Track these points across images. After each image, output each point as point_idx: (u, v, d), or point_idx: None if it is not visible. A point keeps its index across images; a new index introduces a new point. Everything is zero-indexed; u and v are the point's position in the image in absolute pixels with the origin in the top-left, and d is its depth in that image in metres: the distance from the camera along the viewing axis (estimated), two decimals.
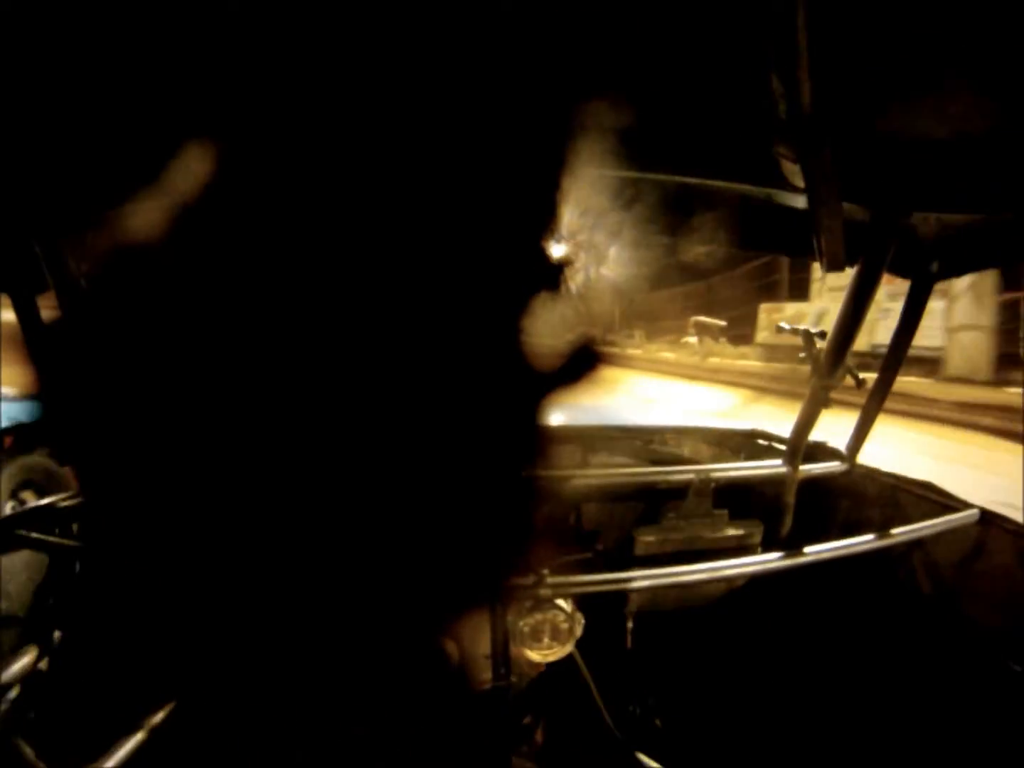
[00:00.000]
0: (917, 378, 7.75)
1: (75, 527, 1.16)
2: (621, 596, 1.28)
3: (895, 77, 0.61)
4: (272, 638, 0.47)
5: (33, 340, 0.84)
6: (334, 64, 0.41)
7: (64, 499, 1.13)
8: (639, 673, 1.31)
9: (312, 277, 0.42)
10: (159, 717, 0.85)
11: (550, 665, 0.97)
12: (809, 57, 0.53)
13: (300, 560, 0.44)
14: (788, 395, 7.29)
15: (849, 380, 1.22)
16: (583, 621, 0.98)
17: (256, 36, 0.41)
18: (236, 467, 0.44)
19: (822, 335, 1.23)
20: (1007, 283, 7.81)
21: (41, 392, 0.47)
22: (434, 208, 0.43)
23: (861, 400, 1.34)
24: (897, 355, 1.26)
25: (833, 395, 1.26)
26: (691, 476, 1.31)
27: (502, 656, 0.93)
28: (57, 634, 1.04)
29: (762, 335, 12.66)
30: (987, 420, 6.34)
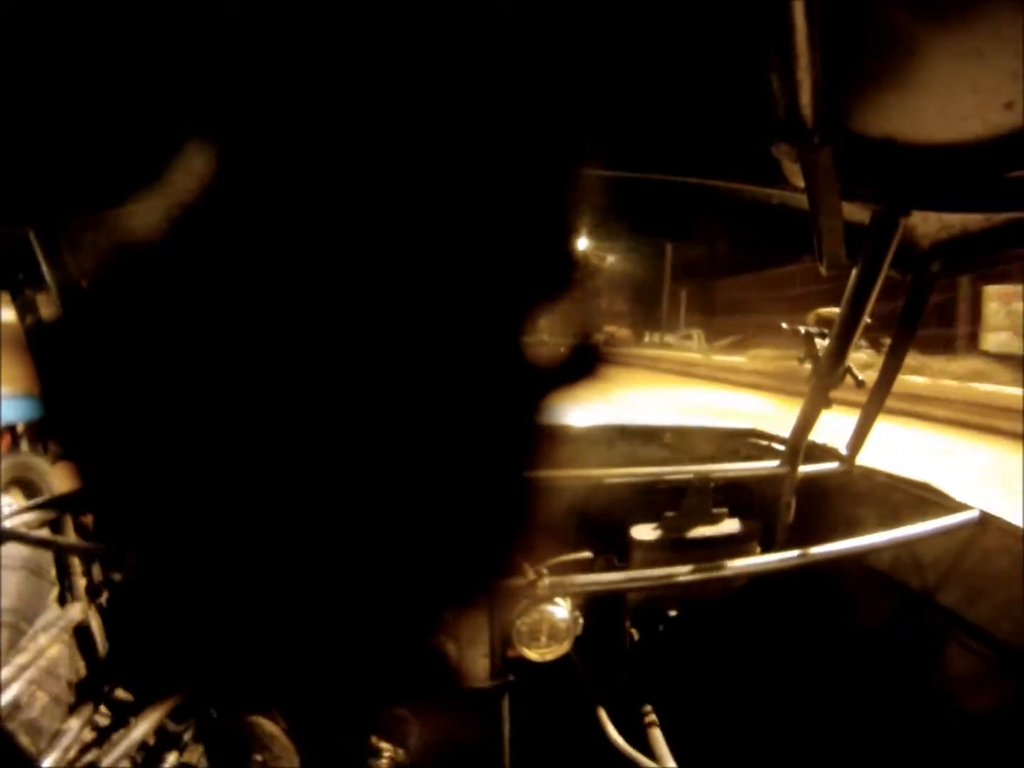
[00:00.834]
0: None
1: (74, 525, 1.16)
2: (620, 596, 1.28)
3: (896, 77, 0.61)
4: (270, 636, 0.47)
5: (33, 338, 0.84)
6: (335, 63, 0.41)
7: (63, 497, 1.13)
8: (637, 673, 1.31)
9: (312, 275, 0.42)
10: (159, 715, 0.85)
11: (548, 665, 0.97)
12: (808, 57, 0.53)
13: (298, 558, 0.44)
14: None
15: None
16: (581, 621, 0.98)
17: (257, 35, 0.41)
18: (235, 465, 0.44)
19: (822, 335, 1.23)
20: None
21: (41, 390, 0.47)
22: (434, 207, 0.43)
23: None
24: (898, 355, 1.25)
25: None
26: (691, 476, 1.31)
27: (500, 655, 0.93)
28: (57, 634, 1.04)
29: (996, 338, 8.23)
30: None
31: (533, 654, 0.94)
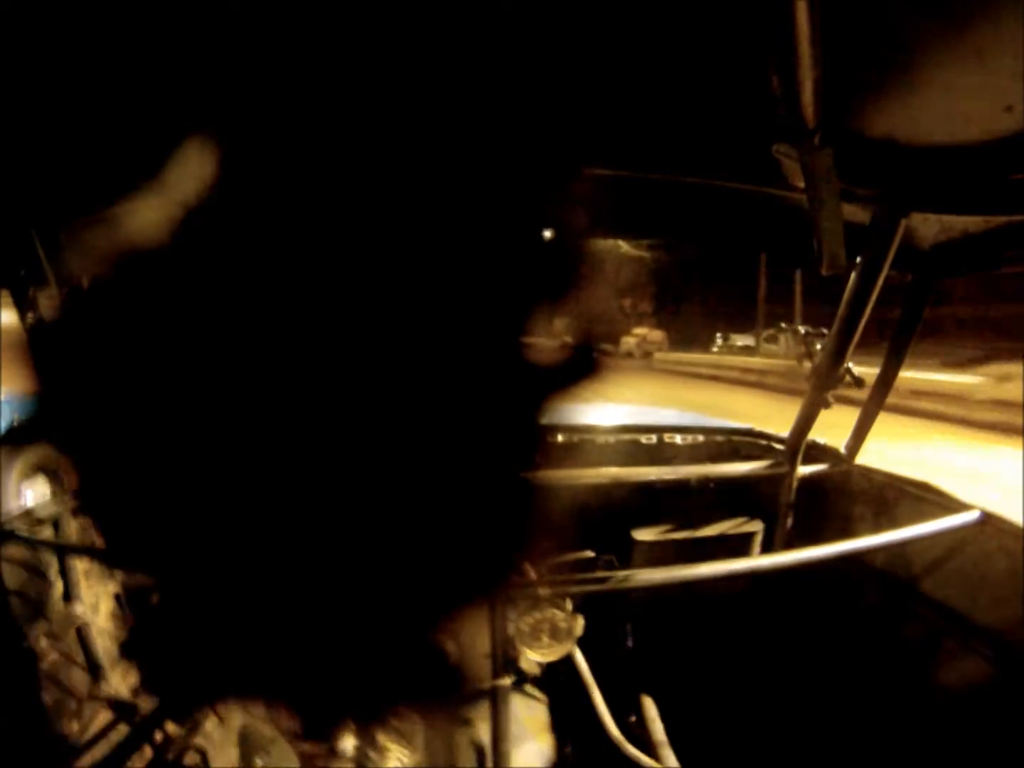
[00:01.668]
0: None
1: (74, 526, 1.16)
2: (621, 596, 1.28)
3: (897, 78, 0.61)
4: (270, 635, 0.47)
5: (33, 337, 0.84)
6: (336, 63, 0.41)
7: (63, 498, 1.13)
8: (638, 673, 1.31)
9: (313, 276, 0.42)
10: (158, 715, 0.85)
11: (550, 665, 0.97)
12: (810, 57, 0.53)
13: (299, 558, 0.44)
14: None
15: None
16: (582, 621, 0.98)
17: (256, 35, 0.41)
18: (236, 466, 0.44)
19: (821, 335, 1.23)
20: None
21: (40, 390, 0.47)
22: (435, 206, 0.43)
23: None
24: (897, 355, 1.26)
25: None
26: (691, 476, 1.31)
27: (501, 655, 0.93)
28: (58, 634, 1.04)
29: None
30: None
31: (535, 654, 0.94)
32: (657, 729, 1.16)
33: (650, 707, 1.21)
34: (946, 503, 1.21)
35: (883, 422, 1.31)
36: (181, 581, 0.47)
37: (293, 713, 0.57)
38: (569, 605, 0.95)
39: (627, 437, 1.65)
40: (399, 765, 0.85)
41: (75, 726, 0.98)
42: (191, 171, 0.41)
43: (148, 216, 0.43)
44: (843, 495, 1.43)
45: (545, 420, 0.48)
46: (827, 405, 1.29)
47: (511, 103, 0.44)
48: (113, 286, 0.45)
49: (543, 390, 0.48)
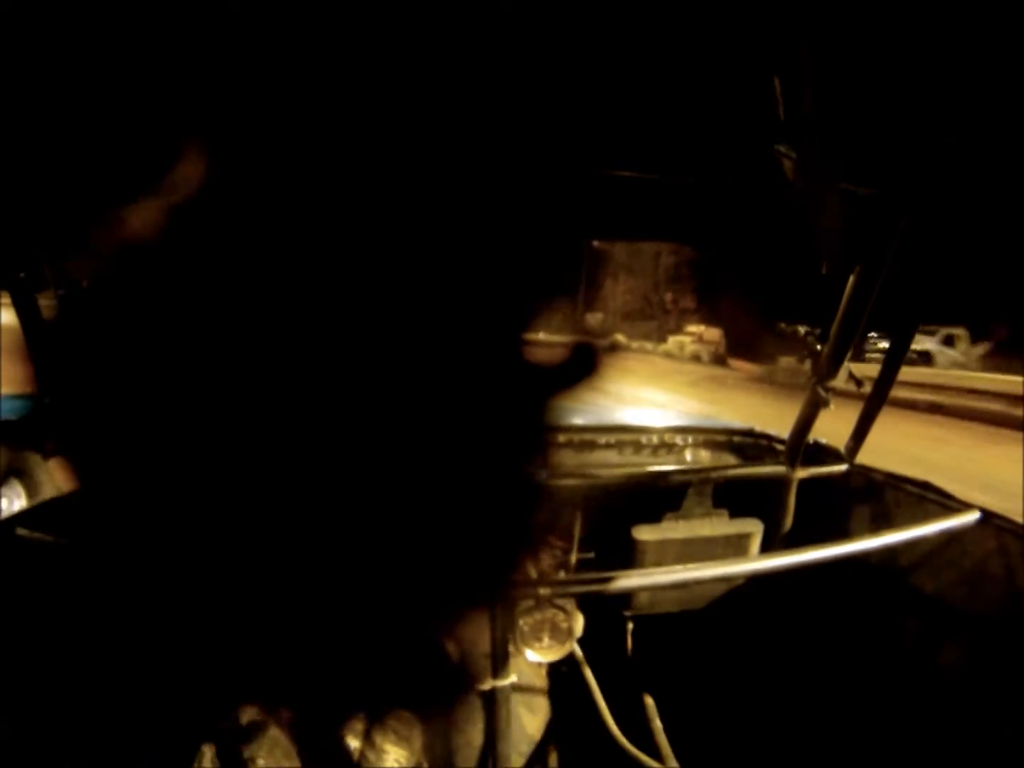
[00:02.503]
0: None
1: (75, 525, 1.16)
2: (621, 596, 1.28)
3: (897, 78, 0.61)
4: (269, 634, 0.47)
5: (33, 338, 0.84)
6: (337, 64, 0.41)
7: (64, 498, 1.13)
8: (639, 672, 1.31)
9: (312, 274, 0.42)
10: (157, 715, 0.85)
11: (552, 664, 0.97)
12: (811, 58, 0.53)
13: (297, 558, 0.44)
14: None
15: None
16: (583, 620, 0.98)
17: (256, 35, 0.41)
18: (235, 466, 0.44)
19: (822, 336, 1.23)
20: None
21: (40, 389, 0.47)
22: (436, 206, 0.43)
23: None
24: (897, 355, 1.26)
25: None
26: (691, 476, 1.31)
27: (501, 655, 0.93)
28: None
29: None
30: None
31: (535, 654, 0.94)
32: (657, 729, 1.16)
33: (650, 707, 1.21)
34: (946, 503, 1.21)
35: None
36: (182, 579, 0.47)
37: (293, 712, 0.57)
38: (569, 605, 0.95)
39: (628, 437, 1.65)
40: (397, 766, 0.85)
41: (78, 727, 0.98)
42: (191, 171, 0.41)
43: (147, 217, 0.43)
44: (843, 495, 1.43)
45: (546, 420, 0.48)
46: (827, 405, 1.29)
47: (512, 103, 0.45)
48: (112, 287, 0.45)
49: (545, 389, 0.48)
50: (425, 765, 0.88)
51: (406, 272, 0.42)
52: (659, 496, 1.33)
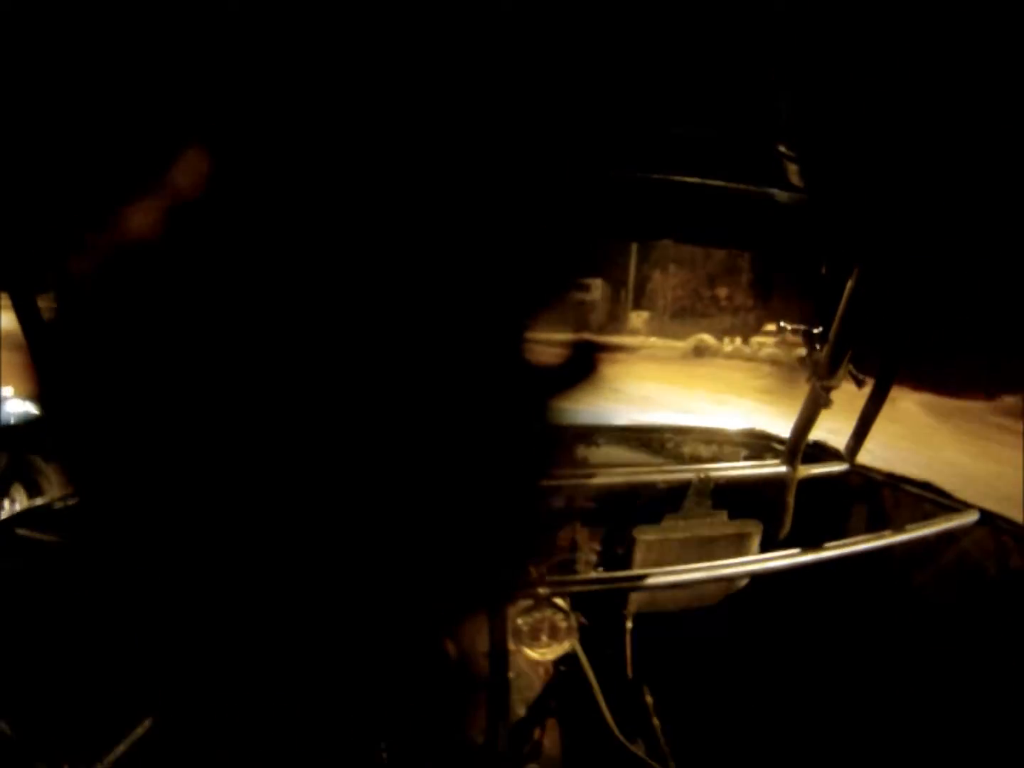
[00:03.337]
0: None
1: (74, 527, 1.16)
2: (621, 596, 1.28)
3: (897, 78, 0.61)
4: (268, 636, 0.47)
5: (33, 340, 0.85)
6: (338, 65, 0.41)
7: (63, 499, 1.13)
8: (638, 672, 1.31)
9: (314, 276, 0.42)
10: (154, 717, 0.85)
11: (551, 663, 0.97)
12: (811, 57, 0.53)
13: (296, 558, 0.44)
14: None
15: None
16: (582, 620, 0.98)
17: (257, 37, 0.41)
18: (235, 466, 0.44)
19: (823, 336, 1.23)
20: None
21: (40, 391, 0.47)
22: (437, 206, 0.43)
23: None
24: (897, 355, 1.26)
25: None
26: (691, 476, 1.31)
27: (501, 654, 0.93)
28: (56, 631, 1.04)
29: None
30: None
31: (534, 653, 0.94)
32: (656, 728, 1.16)
33: (650, 706, 1.21)
34: (946, 503, 1.21)
35: None
36: (183, 581, 0.47)
37: (293, 713, 0.57)
38: (568, 604, 0.95)
39: (628, 437, 1.66)
40: (398, 764, 0.85)
41: (74, 727, 0.98)
42: (192, 173, 0.41)
43: (147, 217, 0.43)
44: (843, 495, 1.43)
45: (546, 421, 0.48)
46: (828, 405, 1.29)
47: (513, 104, 0.45)
48: (112, 287, 0.45)
49: (546, 391, 0.48)
50: (426, 764, 0.88)
51: (409, 275, 0.42)
52: (659, 496, 1.33)
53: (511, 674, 0.97)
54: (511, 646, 0.93)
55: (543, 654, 0.95)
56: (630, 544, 1.26)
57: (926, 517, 1.14)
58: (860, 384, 1.23)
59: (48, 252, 0.79)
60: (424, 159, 0.42)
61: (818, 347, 1.24)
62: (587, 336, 0.51)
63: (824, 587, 1.30)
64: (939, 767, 1.06)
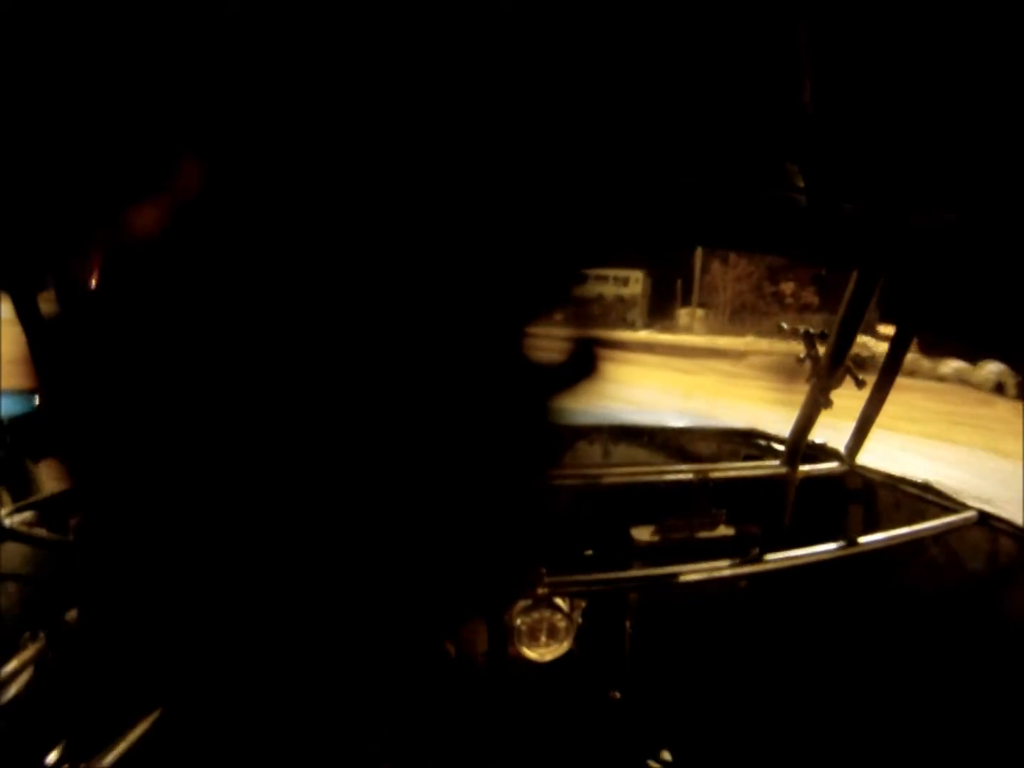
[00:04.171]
0: None
1: (72, 523, 1.16)
2: (620, 596, 1.28)
3: (897, 78, 0.61)
4: (268, 635, 0.47)
5: (33, 339, 0.84)
6: (338, 67, 0.41)
7: (63, 495, 1.13)
8: (638, 672, 1.31)
9: (315, 278, 0.42)
10: (153, 717, 0.85)
11: (552, 663, 0.97)
12: (811, 57, 0.53)
13: (296, 557, 0.44)
14: None
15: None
16: (581, 620, 0.98)
17: (257, 39, 0.41)
18: (235, 466, 0.44)
19: (823, 336, 1.23)
20: None
21: (40, 390, 0.47)
22: (439, 207, 0.43)
23: None
24: (897, 355, 1.26)
25: None
26: (690, 476, 1.31)
27: (499, 654, 0.93)
28: (55, 630, 1.04)
29: None
30: None
31: (532, 653, 0.94)
32: (656, 728, 1.16)
33: (648, 706, 1.21)
34: (945, 503, 1.21)
35: None
36: (184, 582, 0.47)
37: (292, 713, 0.57)
38: (567, 605, 0.95)
39: (628, 437, 1.66)
40: (398, 764, 0.85)
41: (71, 727, 0.98)
42: (193, 175, 0.41)
43: (148, 218, 0.43)
44: (843, 495, 1.43)
45: (546, 421, 0.48)
46: (828, 405, 1.29)
47: (513, 104, 0.44)
48: (112, 287, 0.45)
49: (543, 389, 0.48)
50: (426, 764, 0.88)
51: (410, 276, 0.42)
52: (659, 496, 1.33)
53: (510, 675, 0.97)
54: (510, 646, 0.93)
55: (542, 654, 0.95)
56: (629, 544, 1.26)
57: (925, 517, 1.14)
58: (860, 384, 1.23)
59: (48, 252, 0.79)
60: (424, 159, 0.42)
61: (817, 347, 1.24)
62: (589, 334, 0.51)
63: (823, 587, 1.30)
64: (938, 767, 1.06)
